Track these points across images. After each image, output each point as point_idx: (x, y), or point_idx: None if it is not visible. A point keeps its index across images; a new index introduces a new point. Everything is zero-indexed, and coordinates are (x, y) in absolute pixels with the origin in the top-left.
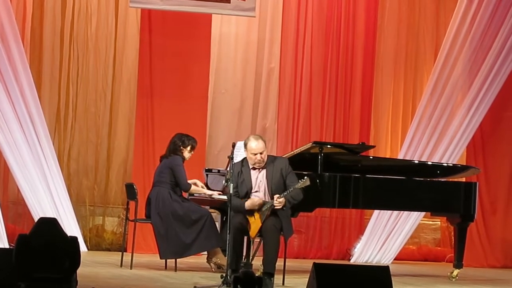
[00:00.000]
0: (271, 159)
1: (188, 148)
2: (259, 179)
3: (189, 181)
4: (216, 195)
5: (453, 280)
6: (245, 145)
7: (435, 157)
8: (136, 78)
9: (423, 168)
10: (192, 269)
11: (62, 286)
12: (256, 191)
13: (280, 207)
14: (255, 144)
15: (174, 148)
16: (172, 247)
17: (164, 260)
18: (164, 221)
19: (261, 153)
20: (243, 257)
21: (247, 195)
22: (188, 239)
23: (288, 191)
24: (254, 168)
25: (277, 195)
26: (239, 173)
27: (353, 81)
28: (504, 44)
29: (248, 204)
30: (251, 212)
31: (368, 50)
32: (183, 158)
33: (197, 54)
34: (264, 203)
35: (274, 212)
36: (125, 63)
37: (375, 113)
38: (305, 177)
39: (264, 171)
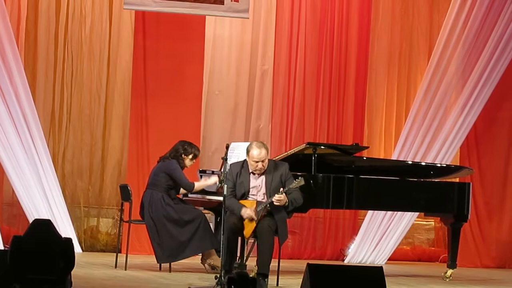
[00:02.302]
0: (273, 165)
1: (190, 156)
2: (257, 184)
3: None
4: (217, 179)
5: (447, 280)
6: (248, 151)
7: (429, 157)
8: (130, 79)
9: (416, 168)
10: (187, 270)
11: (57, 287)
12: (253, 195)
13: (281, 204)
14: (257, 153)
15: (176, 155)
16: (167, 250)
17: None
18: (157, 225)
19: (262, 161)
20: (237, 258)
21: (244, 197)
22: (183, 237)
23: (283, 191)
24: (253, 173)
25: (278, 194)
26: (238, 173)
27: (346, 82)
28: (498, 44)
29: (243, 213)
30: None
31: (362, 50)
32: (183, 166)
33: (191, 55)
34: (258, 204)
35: (269, 213)
36: (119, 65)
37: (369, 113)
38: (300, 177)
39: (263, 176)
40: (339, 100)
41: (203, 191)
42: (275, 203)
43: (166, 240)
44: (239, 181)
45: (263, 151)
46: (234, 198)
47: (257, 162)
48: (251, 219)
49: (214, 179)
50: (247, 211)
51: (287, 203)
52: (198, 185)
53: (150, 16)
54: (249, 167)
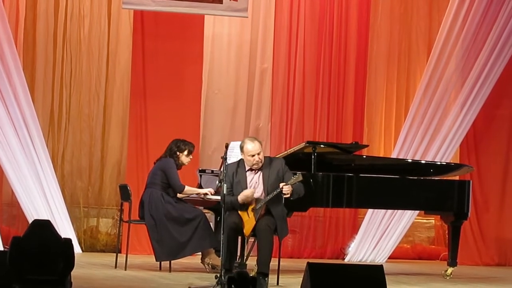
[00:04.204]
0: (268, 161)
1: (185, 152)
2: (254, 181)
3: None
4: (210, 193)
5: (447, 278)
6: (241, 148)
7: (429, 155)
8: (129, 79)
9: (416, 166)
10: (187, 269)
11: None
12: None
13: (289, 194)
14: (251, 146)
15: (170, 154)
16: (166, 248)
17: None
18: (158, 223)
19: (258, 154)
20: (237, 257)
21: None
22: (182, 238)
23: (281, 189)
24: (251, 170)
25: (283, 183)
26: (234, 173)
27: (346, 80)
28: (497, 42)
29: (240, 197)
30: (245, 207)
31: (361, 49)
32: (181, 164)
33: (190, 55)
34: (257, 200)
35: (268, 211)
36: (118, 65)
37: (368, 112)
38: (298, 173)
39: (260, 173)
40: (338, 98)
41: None
42: (284, 192)
43: (166, 239)
44: (236, 180)
45: (257, 144)
46: (230, 196)
47: (253, 155)
48: (250, 201)
49: (207, 190)
50: (243, 194)
51: (292, 192)
52: (189, 189)
53: (149, 15)
54: (246, 164)
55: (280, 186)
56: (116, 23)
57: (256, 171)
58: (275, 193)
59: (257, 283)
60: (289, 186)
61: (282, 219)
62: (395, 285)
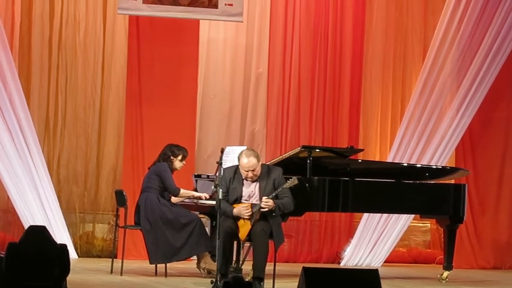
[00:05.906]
0: (266, 170)
1: (179, 157)
2: (250, 190)
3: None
4: (204, 197)
5: (443, 282)
6: (238, 159)
7: (424, 159)
8: (125, 84)
9: (412, 170)
10: (182, 274)
11: None
12: (246, 200)
13: (268, 209)
14: (246, 162)
15: (164, 159)
16: (161, 251)
17: (154, 266)
18: (154, 226)
19: (253, 171)
20: (233, 261)
21: (237, 202)
22: (177, 243)
23: (276, 192)
24: (246, 179)
25: (265, 197)
26: (231, 178)
27: (341, 85)
28: (492, 45)
29: (235, 212)
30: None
31: (356, 53)
32: (174, 168)
33: (185, 59)
34: (253, 206)
35: (264, 217)
36: (113, 70)
37: (364, 116)
38: (293, 177)
39: (257, 183)
40: (334, 102)
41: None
42: (262, 207)
43: (161, 242)
44: (232, 187)
45: (253, 160)
46: (226, 202)
47: (247, 171)
48: (248, 217)
49: (202, 194)
50: (239, 211)
51: (274, 208)
52: (184, 192)
53: (144, 20)
54: (242, 174)
55: (262, 199)
56: (111, 28)
57: (252, 181)
58: (255, 210)
59: None
60: (270, 200)
61: (278, 226)
62: None
